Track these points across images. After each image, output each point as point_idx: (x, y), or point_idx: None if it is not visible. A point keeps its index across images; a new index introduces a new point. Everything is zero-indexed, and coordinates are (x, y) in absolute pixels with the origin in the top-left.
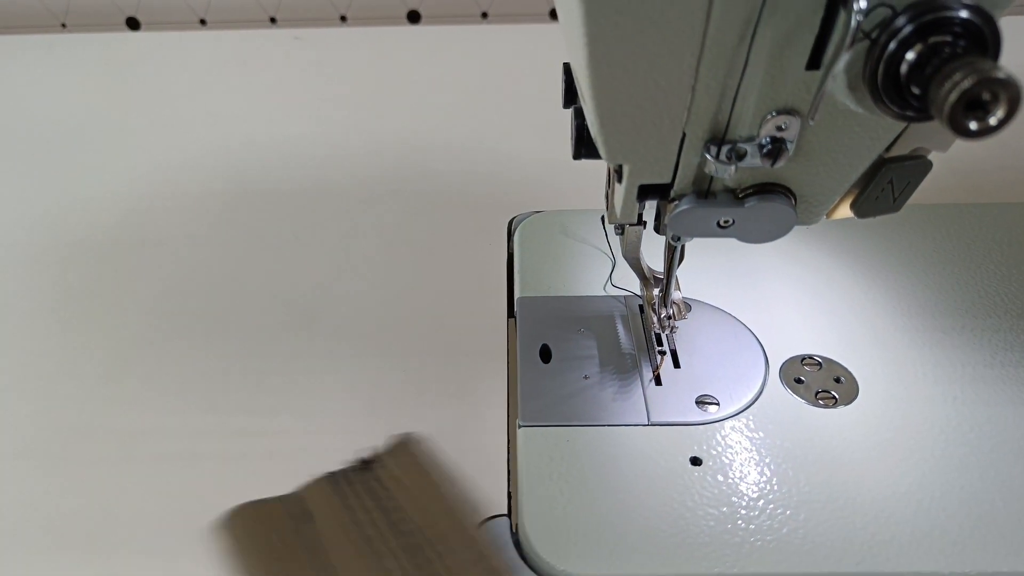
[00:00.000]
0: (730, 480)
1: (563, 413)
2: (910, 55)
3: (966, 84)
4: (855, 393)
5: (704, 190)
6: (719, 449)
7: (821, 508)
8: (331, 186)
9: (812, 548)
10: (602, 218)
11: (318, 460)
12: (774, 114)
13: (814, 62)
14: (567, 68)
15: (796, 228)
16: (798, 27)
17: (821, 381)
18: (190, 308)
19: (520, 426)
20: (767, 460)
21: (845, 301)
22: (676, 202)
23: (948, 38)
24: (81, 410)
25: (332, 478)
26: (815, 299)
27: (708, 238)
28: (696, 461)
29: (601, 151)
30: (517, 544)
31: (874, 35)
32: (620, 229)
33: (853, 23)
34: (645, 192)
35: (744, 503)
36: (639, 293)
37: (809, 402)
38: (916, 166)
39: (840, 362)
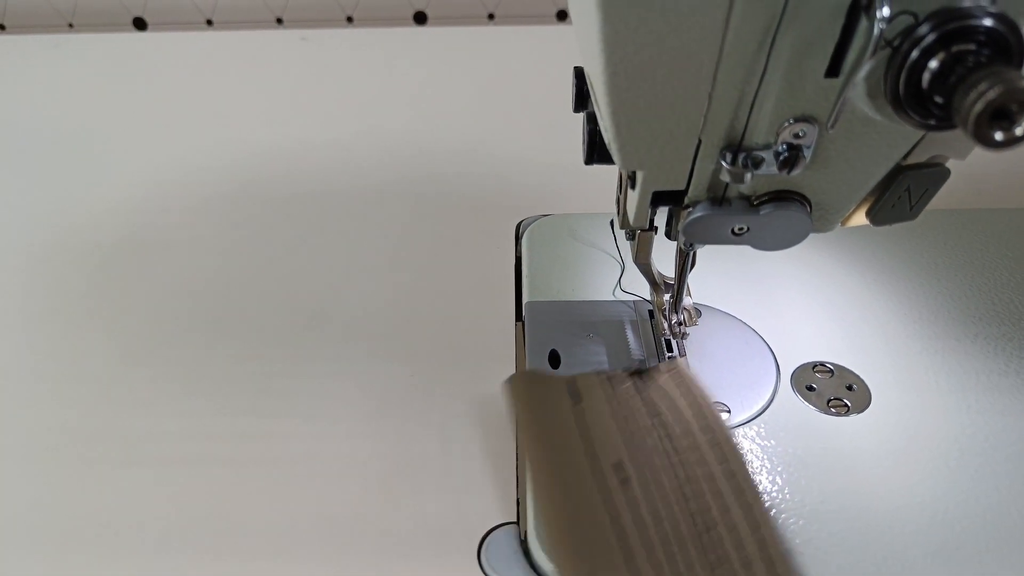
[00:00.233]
0: None
1: None
2: (933, 64)
3: (992, 95)
4: (867, 401)
5: (719, 197)
6: None
7: (834, 518)
8: (337, 188)
9: (825, 558)
10: (611, 222)
11: (325, 463)
12: (791, 122)
13: (833, 70)
14: (578, 72)
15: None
16: (818, 34)
17: (833, 388)
18: (196, 310)
19: None
20: (778, 468)
21: (857, 307)
22: (690, 209)
23: (972, 47)
24: (87, 412)
25: (603, 374)
26: (827, 305)
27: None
28: None
29: (615, 157)
30: (526, 552)
31: (896, 43)
32: (631, 234)
33: (876, 31)
34: (659, 198)
35: None
36: (648, 298)
37: (821, 410)
38: (934, 174)
39: (852, 369)
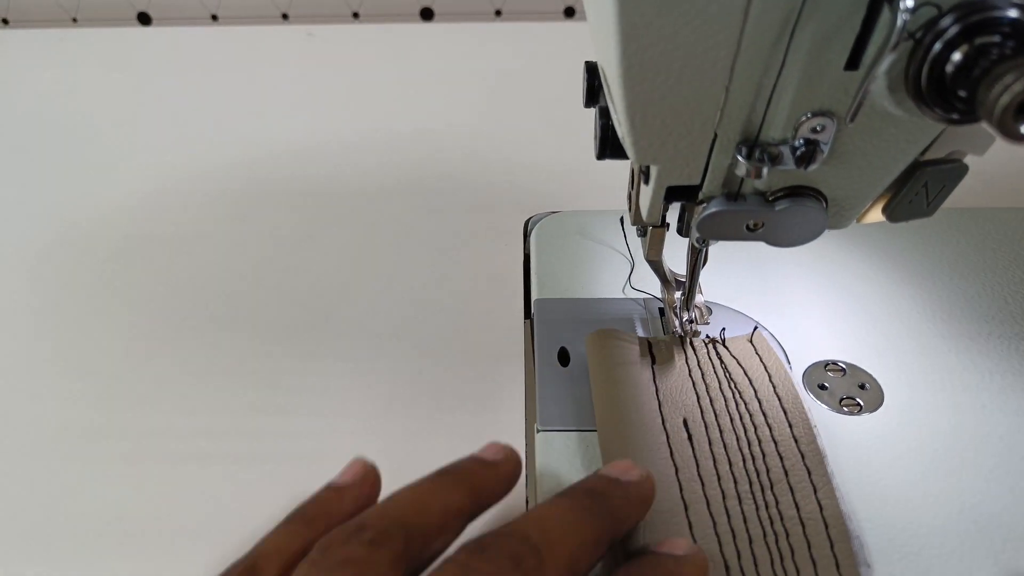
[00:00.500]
0: None
1: (583, 418)
2: (956, 56)
3: (1018, 87)
4: (880, 400)
5: (734, 192)
6: None
7: (846, 518)
8: (344, 184)
9: None
10: (621, 219)
11: (333, 461)
12: (809, 116)
13: (853, 62)
14: (589, 67)
15: None
16: (838, 26)
17: (845, 388)
18: (203, 307)
19: (538, 430)
20: None
21: (869, 306)
22: (704, 204)
23: (996, 39)
24: (94, 409)
25: (678, 337)
26: (838, 303)
27: (731, 241)
28: None
29: (629, 152)
30: None
31: (918, 35)
32: (642, 231)
33: (900, 23)
34: (672, 194)
35: None
36: (659, 296)
37: (833, 409)
38: (952, 170)
39: (865, 368)
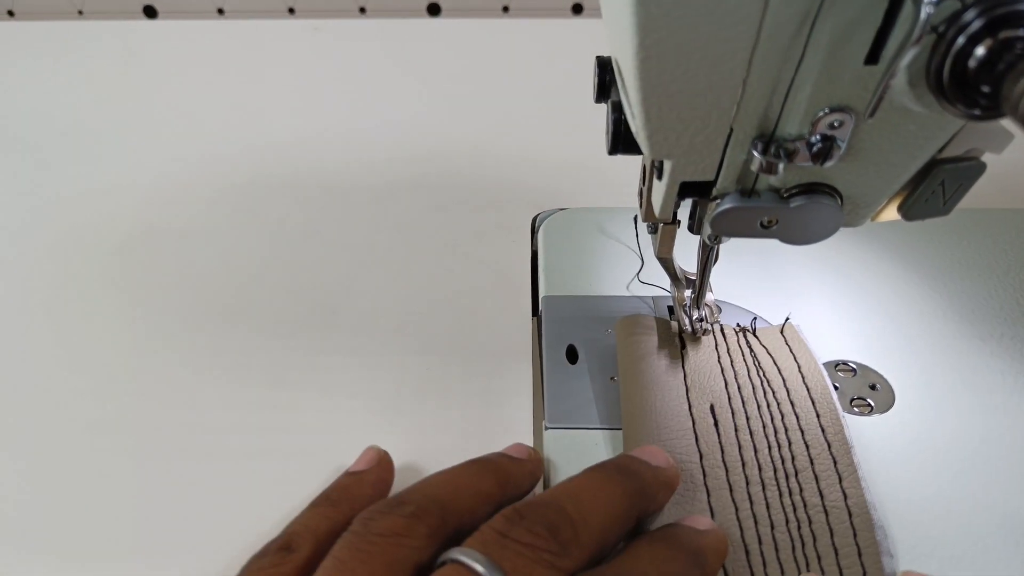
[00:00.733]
0: None
1: (591, 415)
2: (979, 51)
3: None
4: (891, 401)
5: (748, 189)
6: None
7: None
8: (351, 179)
9: None
10: (635, 217)
11: (340, 457)
12: (827, 111)
13: (873, 56)
14: (601, 62)
15: None
16: (859, 19)
17: (856, 388)
18: (209, 302)
19: (547, 428)
20: None
21: (879, 305)
22: (718, 201)
23: (1021, 33)
24: (100, 404)
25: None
26: (848, 303)
27: (742, 239)
28: None
29: (643, 146)
30: None
31: (941, 29)
32: (653, 228)
33: (923, 16)
34: (686, 189)
35: None
36: (667, 289)
37: (844, 409)
38: (970, 168)
39: (875, 368)
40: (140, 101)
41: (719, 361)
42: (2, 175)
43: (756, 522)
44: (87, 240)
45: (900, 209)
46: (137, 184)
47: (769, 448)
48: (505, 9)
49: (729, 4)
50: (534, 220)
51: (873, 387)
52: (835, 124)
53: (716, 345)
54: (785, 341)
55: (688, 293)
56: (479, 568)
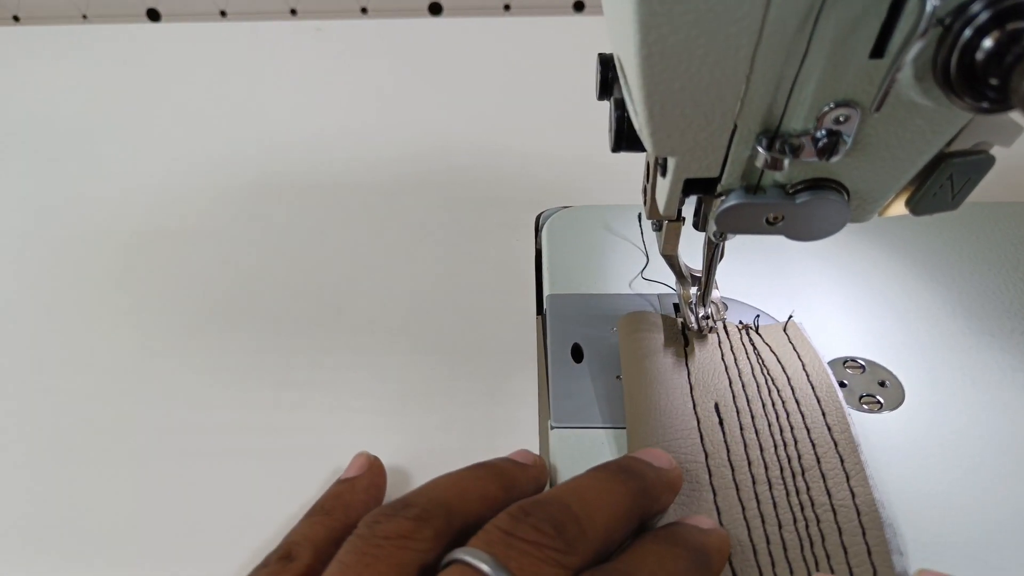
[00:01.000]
0: None
1: (597, 415)
2: (987, 43)
3: None
4: (901, 398)
5: (753, 185)
6: None
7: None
8: (354, 179)
9: None
10: (639, 215)
11: (345, 456)
12: (832, 106)
13: (879, 50)
14: (603, 59)
15: None
16: (864, 13)
17: (865, 385)
18: (214, 303)
19: (552, 427)
20: None
21: (888, 301)
22: (723, 197)
23: None
24: (106, 404)
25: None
26: (856, 298)
27: (747, 235)
28: None
29: (646, 143)
30: None
31: (947, 22)
32: (657, 225)
33: (929, 8)
34: (690, 187)
35: None
36: (672, 286)
37: (853, 406)
38: (978, 162)
39: (884, 365)
40: (144, 103)
41: (723, 359)
42: (8, 178)
43: (763, 521)
44: (92, 242)
45: (908, 204)
46: (142, 186)
47: (775, 447)
48: (506, 7)
49: (731, 0)
50: (538, 218)
51: (882, 384)
52: (841, 119)
53: (719, 343)
54: (788, 339)
55: (694, 290)
56: (485, 568)
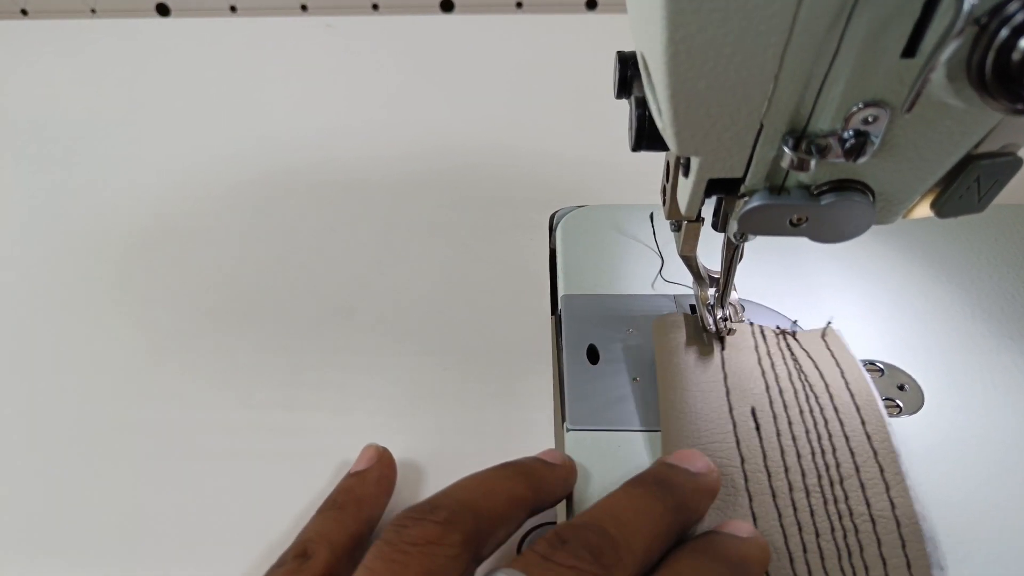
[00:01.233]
0: None
1: (613, 417)
2: None
3: None
4: (920, 402)
5: (777, 186)
6: None
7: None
8: (365, 177)
9: None
10: (651, 215)
11: (353, 459)
12: (861, 106)
13: (911, 49)
14: (622, 57)
15: None
16: (897, 11)
17: (884, 388)
18: (224, 301)
19: (568, 430)
20: None
21: (907, 304)
22: (746, 198)
23: None
24: (113, 405)
25: (754, 324)
26: (875, 301)
27: (766, 236)
28: None
29: (670, 143)
30: None
31: (983, 21)
32: (676, 226)
33: (966, 7)
34: (713, 187)
35: None
36: (691, 289)
37: None
38: (1006, 164)
39: (903, 368)
40: (153, 99)
41: (759, 363)
42: (15, 173)
43: (800, 529)
44: (100, 238)
45: (933, 206)
46: (151, 182)
47: (812, 454)
48: (519, 5)
49: None
50: (552, 217)
51: (901, 387)
52: (869, 119)
53: (756, 347)
54: (827, 345)
55: (712, 292)
56: None
